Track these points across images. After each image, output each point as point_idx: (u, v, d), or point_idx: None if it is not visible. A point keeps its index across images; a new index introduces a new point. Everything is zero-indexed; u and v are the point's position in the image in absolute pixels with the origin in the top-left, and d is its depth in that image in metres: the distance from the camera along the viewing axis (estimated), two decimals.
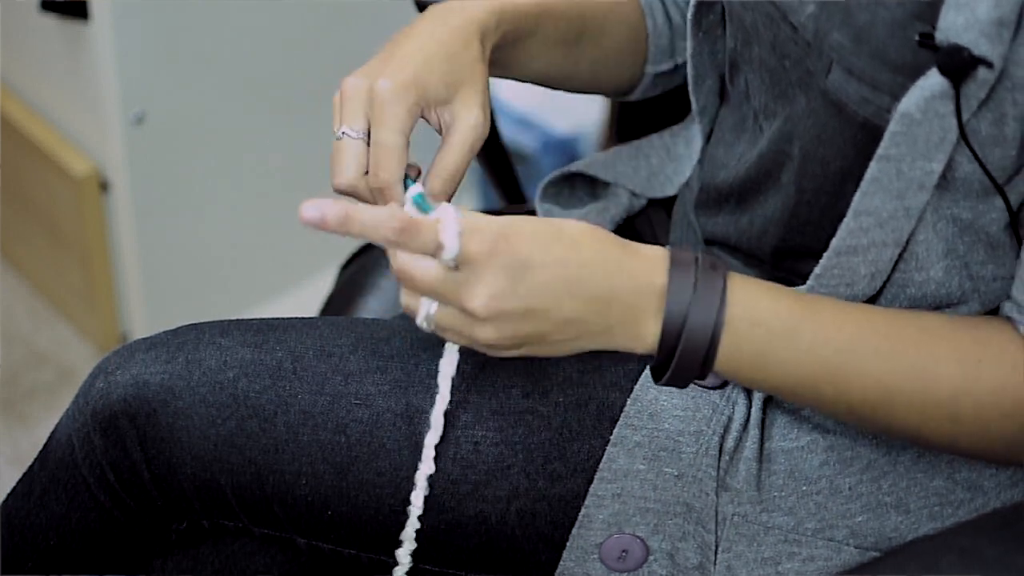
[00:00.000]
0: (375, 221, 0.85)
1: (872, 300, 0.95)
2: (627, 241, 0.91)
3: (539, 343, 0.89)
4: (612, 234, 0.90)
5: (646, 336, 0.89)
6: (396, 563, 1.02)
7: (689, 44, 1.10)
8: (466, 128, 0.98)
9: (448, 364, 0.96)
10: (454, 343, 0.93)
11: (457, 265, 0.86)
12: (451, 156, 0.98)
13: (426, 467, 0.98)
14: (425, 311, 0.88)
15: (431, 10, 1.02)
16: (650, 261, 0.90)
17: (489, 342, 0.88)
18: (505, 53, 1.05)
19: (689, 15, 1.09)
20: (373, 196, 0.96)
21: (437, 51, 0.98)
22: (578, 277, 0.87)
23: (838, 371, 0.91)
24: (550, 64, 1.09)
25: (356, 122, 0.97)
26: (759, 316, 0.90)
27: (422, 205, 0.91)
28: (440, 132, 1.00)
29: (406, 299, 0.89)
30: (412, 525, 0.99)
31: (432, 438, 0.98)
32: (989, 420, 0.90)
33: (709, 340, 0.89)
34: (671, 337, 0.89)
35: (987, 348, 0.91)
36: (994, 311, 0.96)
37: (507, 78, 1.10)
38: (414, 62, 0.97)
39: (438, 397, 0.97)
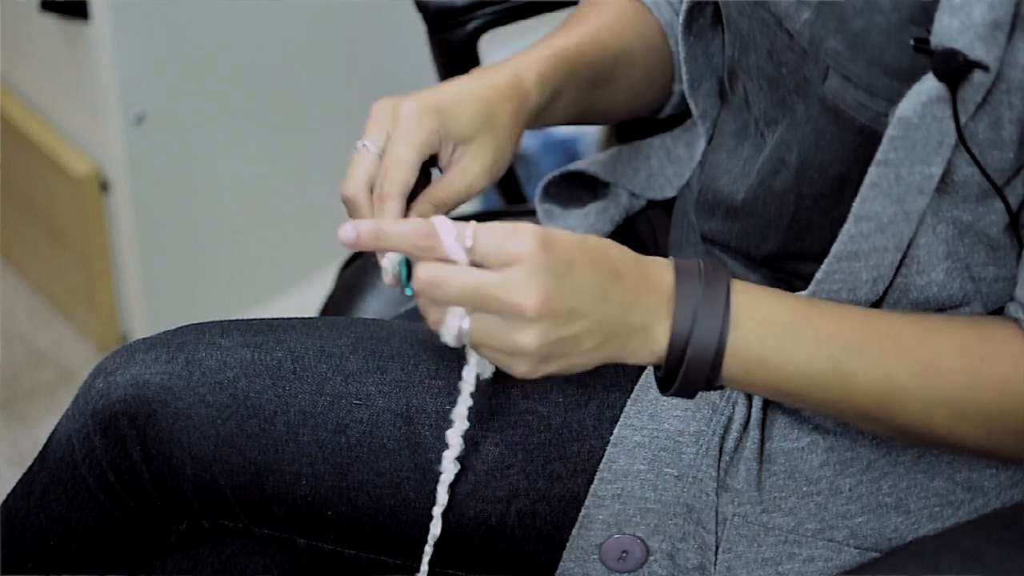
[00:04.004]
0: (402, 233, 0.86)
1: (875, 305, 0.95)
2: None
3: (569, 355, 0.88)
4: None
5: (658, 339, 0.89)
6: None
7: (682, 48, 1.10)
8: (472, 167, 0.99)
9: (470, 371, 0.94)
10: (489, 359, 0.90)
11: (490, 267, 0.85)
12: (449, 188, 0.99)
13: (448, 476, 0.99)
14: (457, 325, 0.86)
15: (479, 67, 1.05)
16: (660, 265, 0.90)
17: (531, 348, 0.86)
18: (546, 109, 1.06)
19: (681, 19, 1.09)
20: (374, 209, 0.97)
21: (472, 94, 1.00)
22: (610, 278, 0.88)
23: (844, 367, 0.91)
24: (592, 104, 1.11)
25: (376, 137, 0.98)
26: (764, 316, 0.90)
27: (401, 273, 0.91)
28: (442, 170, 1.01)
29: (433, 314, 0.87)
30: (437, 516, 0.99)
31: (453, 450, 0.98)
32: (994, 417, 0.91)
33: (717, 341, 0.89)
34: (680, 339, 0.89)
35: (989, 345, 0.91)
36: (996, 312, 0.96)
37: (548, 126, 1.11)
38: (446, 94, 1.00)
39: (460, 399, 0.96)
